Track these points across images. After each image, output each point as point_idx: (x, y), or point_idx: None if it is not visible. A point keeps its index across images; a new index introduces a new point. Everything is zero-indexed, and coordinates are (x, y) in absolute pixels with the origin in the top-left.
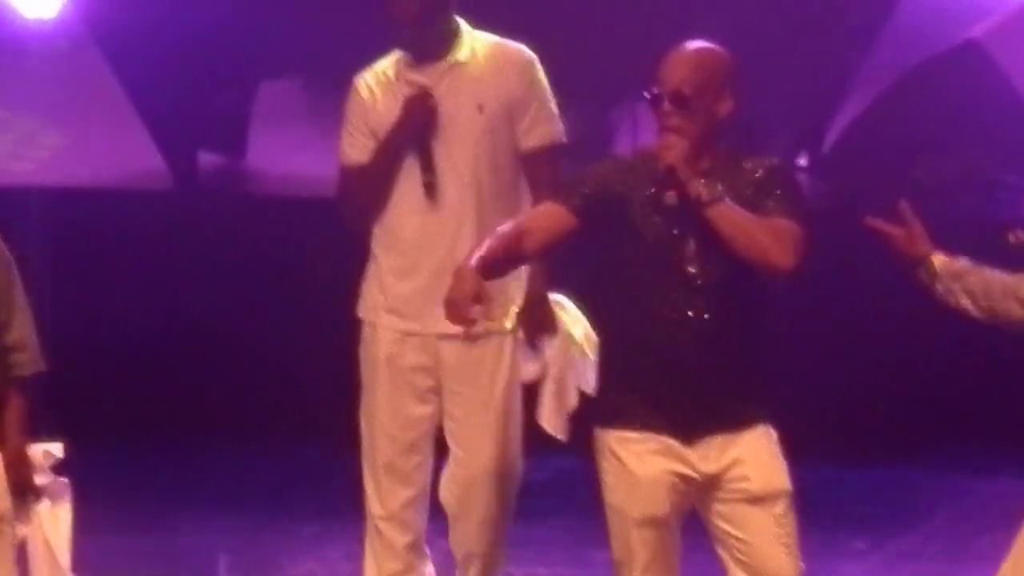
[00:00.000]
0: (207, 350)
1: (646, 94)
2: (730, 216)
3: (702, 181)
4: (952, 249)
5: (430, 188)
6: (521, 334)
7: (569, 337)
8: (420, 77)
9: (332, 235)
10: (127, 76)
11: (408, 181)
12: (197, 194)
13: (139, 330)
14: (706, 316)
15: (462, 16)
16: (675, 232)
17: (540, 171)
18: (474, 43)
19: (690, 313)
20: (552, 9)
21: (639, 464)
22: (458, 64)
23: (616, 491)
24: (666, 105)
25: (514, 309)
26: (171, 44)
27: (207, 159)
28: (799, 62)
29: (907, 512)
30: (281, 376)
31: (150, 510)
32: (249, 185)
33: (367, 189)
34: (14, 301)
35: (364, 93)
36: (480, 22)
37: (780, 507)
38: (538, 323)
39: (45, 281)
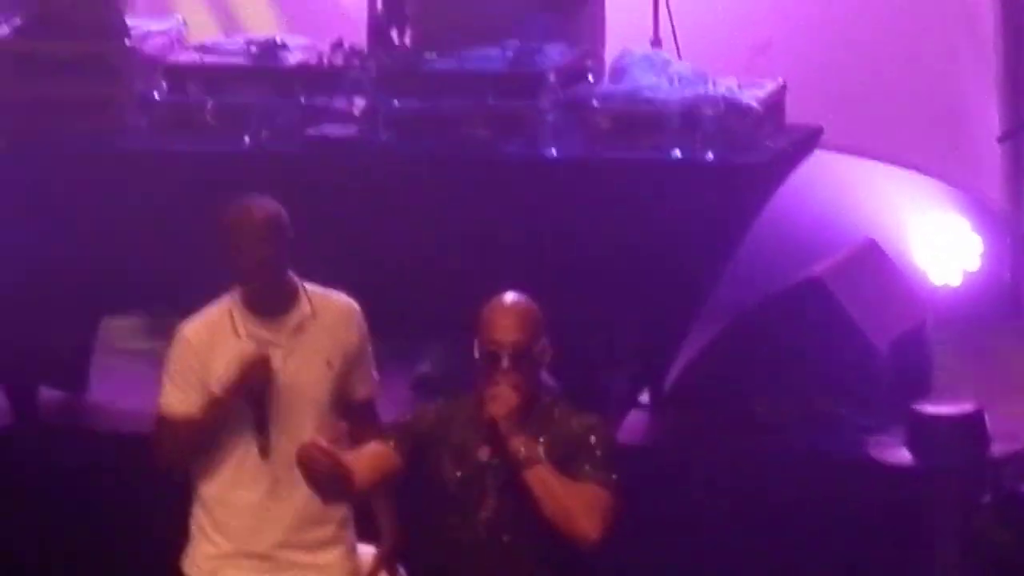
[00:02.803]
0: None
1: (477, 352)
2: (544, 480)
3: (523, 440)
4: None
5: (264, 450)
6: None
7: None
8: (267, 334)
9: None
10: None
11: (241, 441)
12: (37, 429)
13: None
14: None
15: None
16: (475, 488)
17: (369, 418)
18: (308, 295)
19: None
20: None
21: None
22: (304, 319)
23: None
24: (505, 362)
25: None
26: (12, 276)
27: (48, 394)
28: (641, 301)
29: None
30: None
31: None
32: (90, 420)
33: (192, 442)
34: None
35: (197, 345)
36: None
37: None
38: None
39: None
